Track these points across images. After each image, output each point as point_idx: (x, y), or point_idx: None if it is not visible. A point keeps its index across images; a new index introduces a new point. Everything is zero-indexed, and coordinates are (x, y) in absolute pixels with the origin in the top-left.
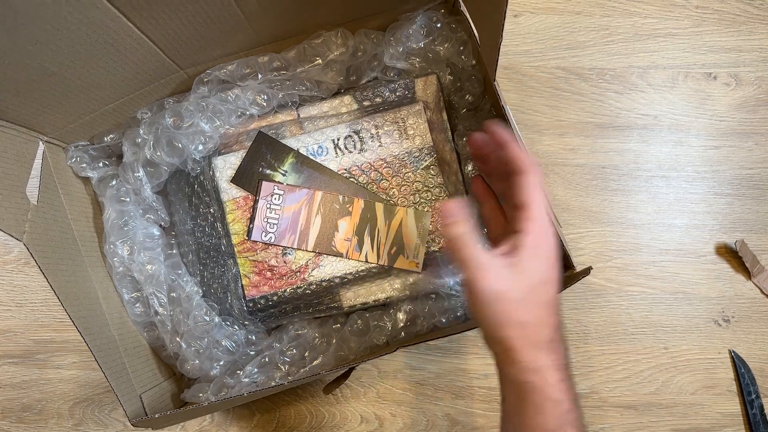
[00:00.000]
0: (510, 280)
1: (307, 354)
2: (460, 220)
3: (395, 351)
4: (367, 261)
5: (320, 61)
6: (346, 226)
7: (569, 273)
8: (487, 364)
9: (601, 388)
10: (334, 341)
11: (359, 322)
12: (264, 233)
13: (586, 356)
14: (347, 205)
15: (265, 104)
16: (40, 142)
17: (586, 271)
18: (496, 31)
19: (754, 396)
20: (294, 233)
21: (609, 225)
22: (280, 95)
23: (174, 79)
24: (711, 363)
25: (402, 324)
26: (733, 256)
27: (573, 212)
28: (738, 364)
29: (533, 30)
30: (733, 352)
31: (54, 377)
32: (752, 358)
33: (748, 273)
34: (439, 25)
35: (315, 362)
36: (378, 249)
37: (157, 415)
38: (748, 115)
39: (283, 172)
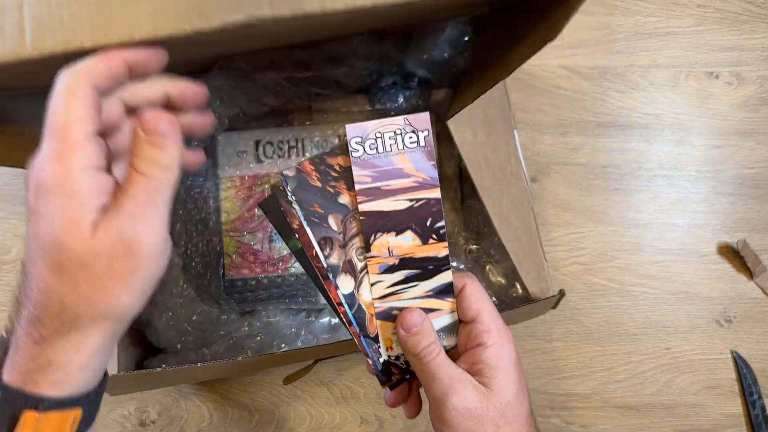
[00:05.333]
0: (484, 398)
1: (274, 342)
2: (426, 330)
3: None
4: (370, 286)
5: (345, 65)
6: (408, 244)
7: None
8: None
9: (602, 389)
10: (303, 333)
11: (332, 321)
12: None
13: (587, 357)
14: (432, 237)
15: (279, 95)
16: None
17: (561, 294)
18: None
19: (756, 396)
20: (385, 179)
21: (611, 225)
22: (296, 89)
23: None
24: (713, 363)
25: None
26: (735, 256)
27: (574, 212)
28: (740, 365)
29: None
30: (735, 352)
31: None
32: (754, 359)
33: (749, 273)
34: (466, 39)
35: (280, 351)
36: (391, 297)
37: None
38: (750, 114)
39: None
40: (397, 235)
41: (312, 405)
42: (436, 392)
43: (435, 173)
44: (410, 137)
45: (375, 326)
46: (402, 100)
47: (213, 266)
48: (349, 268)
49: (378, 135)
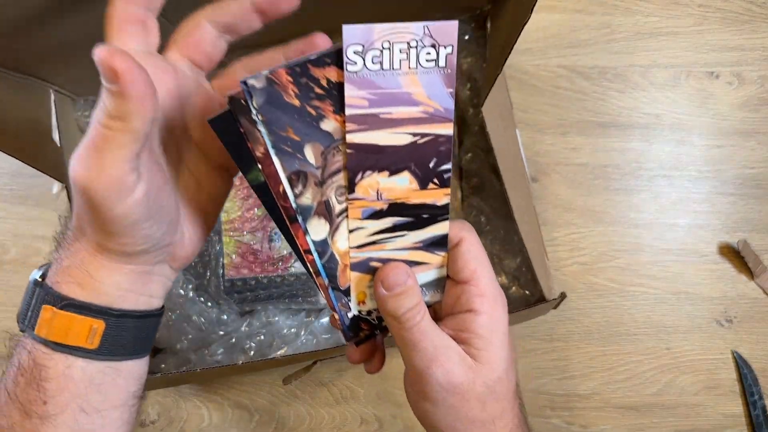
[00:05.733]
0: (471, 372)
1: (274, 342)
2: (411, 290)
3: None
4: (348, 232)
5: None
6: (403, 187)
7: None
8: None
9: (602, 389)
10: (303, 333)
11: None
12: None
13: (587, 357)
14: (434, 181)
15: None
16: (51, 92)
17: (562, 296)
18: (499, 61)
19: (756, 397)
20: (386, 105)
21: (611, 225)
22: None
23: None
24: (713, 364)
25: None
26: (735, 256)
27: (575, 212)
28: (740, 365)
29: (534, 28)
30: (736, 352)
31: None
32: (755, 359)
33: (750, 273)
34: (466, 38)
35: (280, 351)
36: (384, 249)
37: None
38: (751, 114)
39: None
40: (390, 175)
41: (311, 405)
42: (418, 363)
43: (451, 104)
44: (428, 53)
45: (348, 278)
46: None
47: (212, 266)
48: (325, 210)
49: (386, 45)
